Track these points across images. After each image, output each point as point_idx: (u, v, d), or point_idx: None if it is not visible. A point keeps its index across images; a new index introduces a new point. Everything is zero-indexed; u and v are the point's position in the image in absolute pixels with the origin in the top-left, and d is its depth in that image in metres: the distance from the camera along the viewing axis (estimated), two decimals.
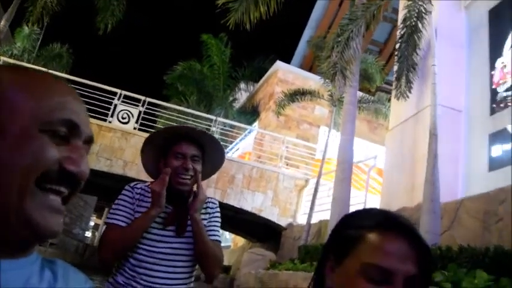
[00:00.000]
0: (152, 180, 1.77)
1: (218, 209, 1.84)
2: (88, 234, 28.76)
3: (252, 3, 7.97)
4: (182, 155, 1.70)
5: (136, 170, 8.49)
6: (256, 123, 15.70)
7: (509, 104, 5.50)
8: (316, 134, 13.67)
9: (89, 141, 0.56)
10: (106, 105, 8.99)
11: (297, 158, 10.80)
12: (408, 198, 6.07)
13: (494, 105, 5.77)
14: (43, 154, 0.49)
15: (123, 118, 8.98)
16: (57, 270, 0.55)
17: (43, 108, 0.50)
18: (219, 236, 1.79)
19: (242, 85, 17.15)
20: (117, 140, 8.72)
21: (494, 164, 5.42)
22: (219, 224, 1.82)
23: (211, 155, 1.81)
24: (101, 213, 28.16)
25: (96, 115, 8.89)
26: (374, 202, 7.55)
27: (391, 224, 0.78)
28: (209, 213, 1.79)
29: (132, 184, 1.80)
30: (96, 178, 8.82)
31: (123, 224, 1.65)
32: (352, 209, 5.38)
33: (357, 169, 8.97)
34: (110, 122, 8.86)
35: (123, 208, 1.70)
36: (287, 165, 10.52)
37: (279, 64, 14.91)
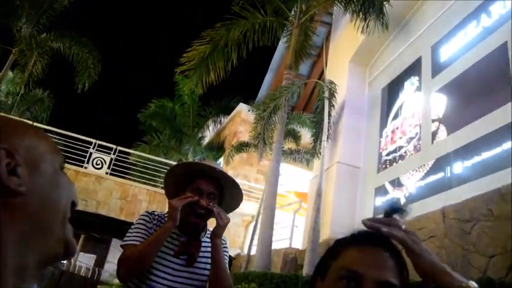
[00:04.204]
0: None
1: (227, 243, 1.86)
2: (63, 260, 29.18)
3: (204, 72, 9.69)
4: (199, 191, 1.74)
5: (107, 209, 9.95)
6: (221, 159, 17.22)
7: (388, 165, 7.29)
8: None
9: None
10: (83, 153, 10.48)
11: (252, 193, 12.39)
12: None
13: (380, 166, 7.55)
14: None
15: (97, 164, 10.44)
16: None
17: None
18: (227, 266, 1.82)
19: (210, 122, 18.60)
20: (92, 183, 10.10)
21: (377, 213, 7.16)
22: (227, 255, 1.84)
23: (229, 192, 1.86)
24: (76, 240, 28.93)
25: (74, 162, 10.35)
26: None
27: (368, 238, 0.85)
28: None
29: (150, 210, 1.87)
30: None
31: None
32: (275, 244, 6.95)
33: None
34: (85, 168, 10.32)
35: (140, 231, 1.74)
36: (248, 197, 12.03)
37: (241, 106, 16.64)
